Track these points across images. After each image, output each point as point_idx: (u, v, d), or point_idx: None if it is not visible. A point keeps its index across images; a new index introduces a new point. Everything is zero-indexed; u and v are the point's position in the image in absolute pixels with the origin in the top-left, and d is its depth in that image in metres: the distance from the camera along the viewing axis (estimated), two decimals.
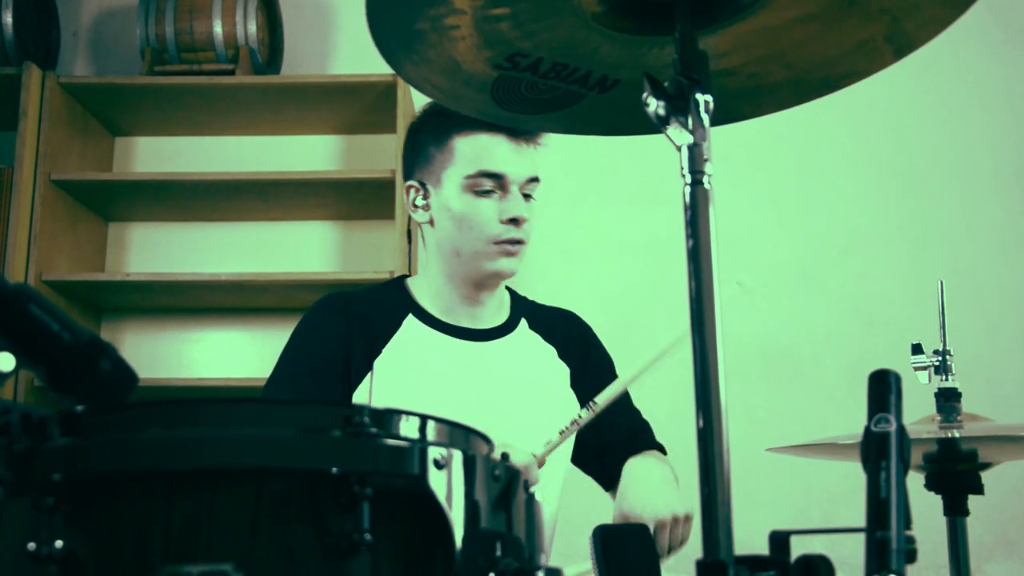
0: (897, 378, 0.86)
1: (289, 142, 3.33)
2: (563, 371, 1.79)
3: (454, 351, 1.71)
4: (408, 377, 1.65)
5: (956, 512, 1.26)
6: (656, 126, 0.86)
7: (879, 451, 0.81)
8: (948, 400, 1.30)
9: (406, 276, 1.83)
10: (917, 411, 1.40)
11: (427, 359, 1.69)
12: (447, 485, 0.72)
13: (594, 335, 1.87)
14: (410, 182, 1.73)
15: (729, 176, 3.21)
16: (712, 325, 0.80)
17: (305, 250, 3.29)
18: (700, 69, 0.87)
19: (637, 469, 1.61)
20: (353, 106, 3.13)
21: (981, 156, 3.26)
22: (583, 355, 1.81)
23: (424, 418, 0.75)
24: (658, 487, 1.56)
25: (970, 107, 3.30)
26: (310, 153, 3.31)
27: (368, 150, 3.31)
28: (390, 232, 3.00)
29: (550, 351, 1.80)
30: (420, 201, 1.71)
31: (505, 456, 0.85)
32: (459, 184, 1.65)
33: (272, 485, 0.67)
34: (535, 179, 1.68)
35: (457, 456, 0.74)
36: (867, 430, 0.83)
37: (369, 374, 1.65)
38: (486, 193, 1.64)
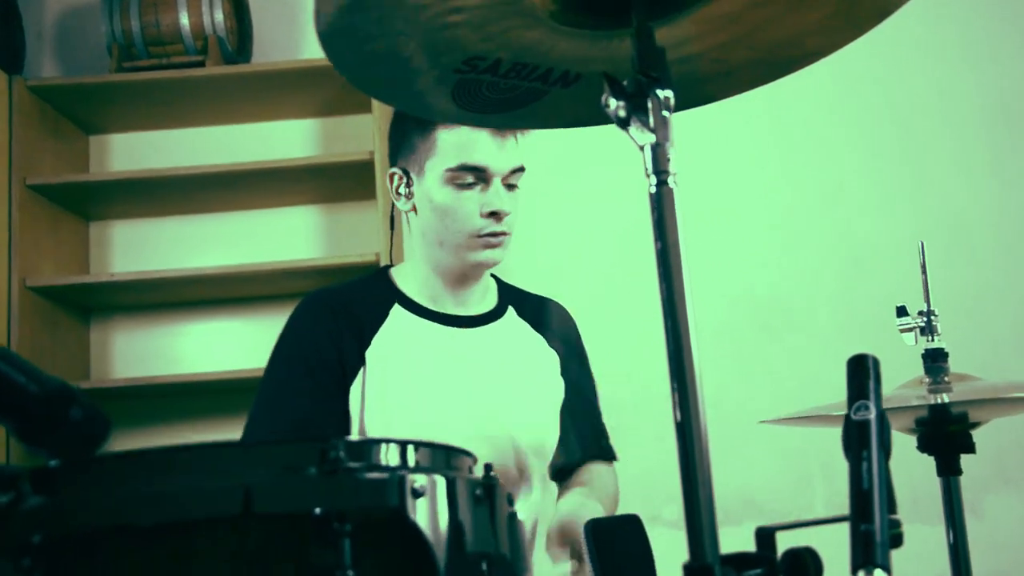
0: (875, 362, 0.86)
1: (265, 129, 3.31)
2: (553, 357, 1.80)
3: (444, 338, 1.70)
4: (400, 368, 1.65)
5: (949, 472, 1.26)
6: (618, 126, 0.85)
7: (860, 440, 0.81)
8: (935, 361, 1.30)
9: (389, 266, 1.81)
10: (905, 373, 1.40)
11: (417, 348, 1.68)
12: (429, 511, 0.72)
13: (575, 325, 1.87)
14: (393, 169, 1.72)
15: (711, 130, 3.22)
16: (685, 329, 0.79)
17: (289, 236, 3.27)
18: (659, 65, 0.86)
19: (569, 508, 1.55)
20: (327, 88, 3.10)
21: (965, 99, 3.26)
22: (569, 344, 1.82)
23: (402, 445, 0.74)
24: None
25: (952, 51, 3.29)
26: (287, 139, 3.28)
27: (345, 132, 3.29)
28: (372, 213, 2.99)
29: (539, 338, 1.80)
30: (403, 189, 1.70)
31: (488, 467, 0.85)
32: (440, 176, 1.63)
33: (251, 530, 0.67)
34: (520, 169, 1.66)
35: (438, 481, 0.73)
36: (847, 418, 0.83)
37: (362, 367, 1.64)
38: (468, 186, 1.62)
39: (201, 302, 3.24)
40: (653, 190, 0.82)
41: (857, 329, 3.14)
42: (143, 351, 3.22)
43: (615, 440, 1.90)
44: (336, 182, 3.11)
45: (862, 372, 0.85)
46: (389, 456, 0.74)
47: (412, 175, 1.68)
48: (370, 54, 0.89)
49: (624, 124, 0.84)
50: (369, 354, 1.64)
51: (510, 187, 1.66)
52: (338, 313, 1.66)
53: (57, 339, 3.04)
